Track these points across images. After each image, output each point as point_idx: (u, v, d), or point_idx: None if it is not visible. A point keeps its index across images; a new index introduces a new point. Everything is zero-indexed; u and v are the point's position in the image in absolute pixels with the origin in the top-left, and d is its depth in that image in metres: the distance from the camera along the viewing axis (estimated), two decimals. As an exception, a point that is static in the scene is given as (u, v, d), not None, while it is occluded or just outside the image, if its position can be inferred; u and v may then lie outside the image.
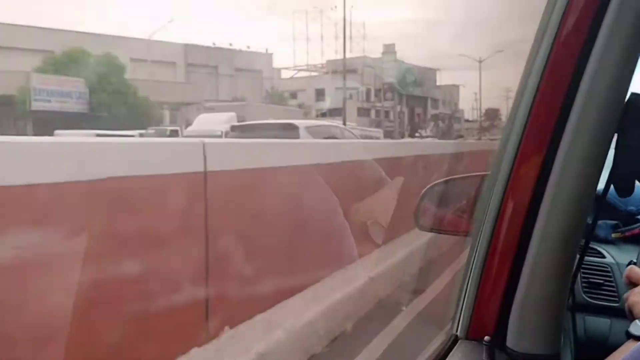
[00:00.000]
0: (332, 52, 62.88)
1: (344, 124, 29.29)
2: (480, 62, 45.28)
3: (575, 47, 0.66)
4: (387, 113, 57.03)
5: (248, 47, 52.79)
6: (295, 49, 62.64)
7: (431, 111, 63.74)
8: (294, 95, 55.24)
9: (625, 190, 0.83)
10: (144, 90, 32.19)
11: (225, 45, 50.17)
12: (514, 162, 0.72)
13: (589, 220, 1.43)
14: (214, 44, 49.65)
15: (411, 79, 59.79)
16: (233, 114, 21.43)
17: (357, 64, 58.68)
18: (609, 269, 1.81)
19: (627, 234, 1.90)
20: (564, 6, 0.67)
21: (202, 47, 48.21)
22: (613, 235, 1.91)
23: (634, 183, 0.84)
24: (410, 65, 61.24)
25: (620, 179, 0.82)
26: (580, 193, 0.69)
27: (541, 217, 0.69)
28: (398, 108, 58.05)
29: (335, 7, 61.78)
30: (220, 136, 17.97)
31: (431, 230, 1.35)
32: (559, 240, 0.70)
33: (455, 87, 65.83)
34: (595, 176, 0.72)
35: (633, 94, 0.74)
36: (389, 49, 60.45)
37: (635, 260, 1.57)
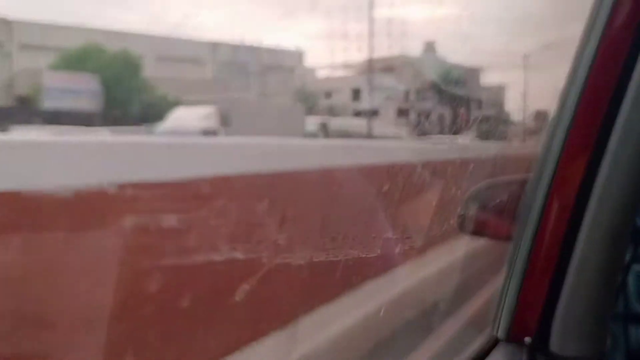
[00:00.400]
0: (370, 51, 62.75)
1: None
2: (525, 58, 44.40)
3: (623, 47, 0.69)
4: (427, 114, 56.51)
5: (278, 45, 53.17)
6: (332, 47, 62.26)
7: (475, 112, 62.97)
8: (329, 94, 55.23)
9: None
10: (166, 88, 32.55)
11: (255, 43, 50.46)
12: (559, 163, 0.75)
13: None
14: (242, 41, 50.09)
15: (453, 79, 59.09)
16: (213, 108, 19.26)
17: (396, 63, 58.37)
18: None
19: None
20: (610, 6, 0.70)
21: (231, 45, 48.72)
22: None
23: None
24: (452, 64, 60.60)
25: None
26: (627, 194, 0.71)
27: (587, 218, 0.72)
28: (439, 109, 57.45)
29: (374, 4, 61.71)
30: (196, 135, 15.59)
31: (474, 234, 1.39)
32: (605, 242, 0.72)
33: (501, 88, 64.77)
34: None
35: None
36: (430, 47, 59.82)
37: None
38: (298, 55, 52.74)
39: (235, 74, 46.76)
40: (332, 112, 45.88)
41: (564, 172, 0.75)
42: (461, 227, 1.35)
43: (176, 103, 32.47)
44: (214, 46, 47.61)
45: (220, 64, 47.24)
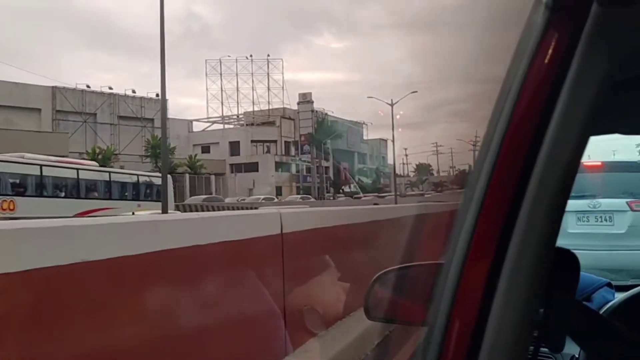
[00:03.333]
0: (249, 104, 64.07)
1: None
2: (392, 104, 47.14)
3: (539, 103, 0.75)
4: (308, 168, 57.34)
5: (134, 91, 50.59)
6: (215, 101, 62.68)
7: (358, 166, 65.11)
8: (206, 148, 54.62)
9: (557, 346, 1.04)
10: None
11: (105, 90, 48.14)
12: (470, 247, 0.80)
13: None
14: (88, 86, 47.40)
15: (335, 132, 60.95)
16: None
17: (275, 116, 59.34)
18: (553, 359, 1.95)
19: None
20: (526, 65, 0.76)
21: (77, 90, 46.25)
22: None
23: (564, 339, 0.98)
24: (334, 117, 62.61)
25: (552, 336, 1.01)
26: (537, 276, 0.75)
27: (494, 309, 0.75)
28: (323, 162, 58.64)
29: (251, 55, 63.12)
30: None
31: (382, 320, 1.38)
32: (513, 330, 0.75)
33: (383, 141, 67.80)
34: (545, 271, 0.78)
35: (558, 249, 0.89)
36: (306, 98, 61.03)
37: (577, 356, 1.68)
38: (162, 104, 49.22)
39: (81, 123, 44.80)
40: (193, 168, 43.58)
41: (474, 260, 0.79)
42: (367, 312, 1.34)
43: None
44: (55, 92, 44.44)
45: (62, 113, 44.31)
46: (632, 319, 1.14)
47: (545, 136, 0.74)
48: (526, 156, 0.75)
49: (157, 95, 50.39)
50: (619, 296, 1.65)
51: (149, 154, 41.50)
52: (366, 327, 3.22)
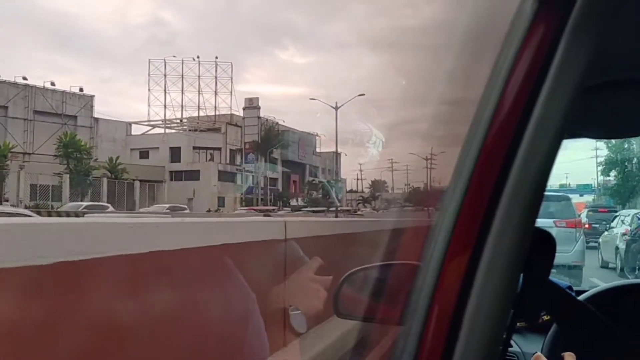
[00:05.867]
0: (195, 109, 63.07)
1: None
2: (336, 108, 46.87)
3: (514, 118, 0.81)
4: (254, 178, 56.35)
5: (53, 84, 47.48)
6: (150, 102, 61.04)
7: (309, 178, 64.46)
8: (144, 153, 53.02)
9: (534, 319, 1.20)
10: None
11: (20, 80, 44.69)
12: (447, 250, 0.83)
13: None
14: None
15: (282, 141, 60.14)
16: None
17: (222, 122, 58.19)
18: (516, 358, 2.12)
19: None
20: (505, 78, 0.82)
21: None
22: (518, 324, 2.11)
23: (539, 313, 1.08)
24: (285, 127, 61.85)
25: (528, 310, 1.11)
26: (509, 282, 0.80)
27: (466, 320, 0.79)
28: (270, 173, 57.87)
29: (198, 57, 62.22)
30: None
31: (352, 317, 1.48)
32: (489, 322, 0.79)
33: (336, 155, 67.57)
34: (517, 279, 0.87)
35: (536, 229, 0.93)
36: (252, 104, 59.79)
37: (540, 352, 1.78)
38: (83, 100, 48.26)
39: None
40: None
41: (451, 261, 0.83)
42: (336, 310, 1.43)
43: None
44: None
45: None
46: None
47: (524, 136, 0.80)
48: (505, 155, 0.82)
49: (81, 89, 48.77)
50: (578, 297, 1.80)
51: (60, 153, 38.38)
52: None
